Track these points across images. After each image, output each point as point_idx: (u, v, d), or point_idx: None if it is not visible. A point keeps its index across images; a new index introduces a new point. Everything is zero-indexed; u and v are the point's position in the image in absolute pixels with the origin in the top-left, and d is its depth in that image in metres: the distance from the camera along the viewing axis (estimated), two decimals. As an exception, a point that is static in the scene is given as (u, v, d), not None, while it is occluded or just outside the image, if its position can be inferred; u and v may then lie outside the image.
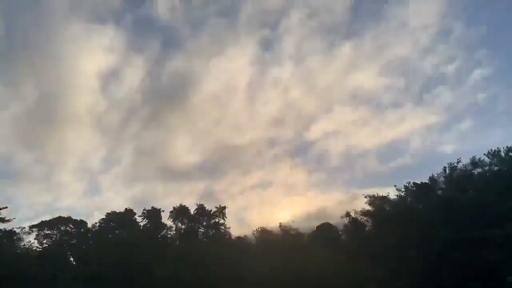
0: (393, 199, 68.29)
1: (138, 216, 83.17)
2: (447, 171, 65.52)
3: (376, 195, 69.19)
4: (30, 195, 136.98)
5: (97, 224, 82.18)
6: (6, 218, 63.61)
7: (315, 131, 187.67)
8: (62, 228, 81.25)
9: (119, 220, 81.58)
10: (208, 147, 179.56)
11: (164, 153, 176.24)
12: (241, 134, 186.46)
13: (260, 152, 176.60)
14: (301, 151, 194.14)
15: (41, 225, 79.69)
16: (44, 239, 79.12)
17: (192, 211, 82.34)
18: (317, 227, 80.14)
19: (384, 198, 69.08)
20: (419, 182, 66.91)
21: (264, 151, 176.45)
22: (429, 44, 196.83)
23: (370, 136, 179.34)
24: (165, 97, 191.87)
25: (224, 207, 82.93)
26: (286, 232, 75.04)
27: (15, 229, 71.71)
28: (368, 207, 69.25)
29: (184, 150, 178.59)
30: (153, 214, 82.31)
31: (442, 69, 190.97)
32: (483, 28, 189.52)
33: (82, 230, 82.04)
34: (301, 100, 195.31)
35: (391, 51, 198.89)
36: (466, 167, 64.16)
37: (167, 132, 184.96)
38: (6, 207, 63.64)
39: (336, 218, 76.01)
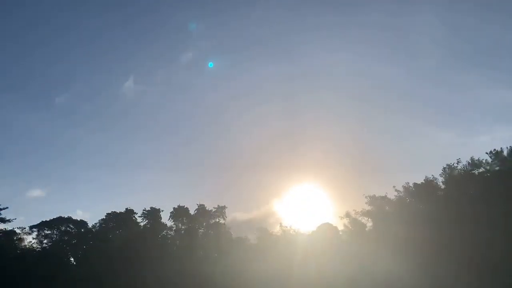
0: (393, 199, 68.46)
1: (138, 216, 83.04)
2: (447, 172, 65.52)
3: (376, 195, 69.46)
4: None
5: (97, 224, 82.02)
6: (7, 218, 63.92)
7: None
8: (62, 228, 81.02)
9: (119, 220, 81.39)
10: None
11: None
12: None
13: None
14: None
15: (41, 225, 79.48)
16: (44, 239, 78.95)
17: (192, 211, 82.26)
18: (317, 227, 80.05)
19: (384, 198, 69.22)
20: (418, 183, 66.99)
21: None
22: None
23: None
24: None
25: (224, 207, 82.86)
26: (286, 232, 75.01)
27: (15, 229, 71.84)
28: (368, 207, 69.54)
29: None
30: (153, 214, 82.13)
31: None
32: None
33: (82, 230, 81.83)
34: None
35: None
36: (466, 168, 64.16)
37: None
38: (6, 208, 63.91)
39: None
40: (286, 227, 76.01)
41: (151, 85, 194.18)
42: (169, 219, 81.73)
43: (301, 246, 69.25)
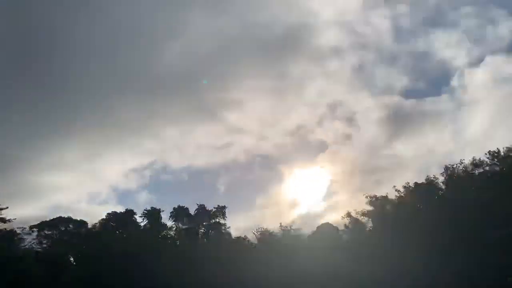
0: (393, 199, 68.59)
1: (139, 216, 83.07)
2: (447, 172, 65.57)
3: (376, 195, 69.65)
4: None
5: (97, 224, 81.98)
6: (7, 218, 63.73)
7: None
8: (62, 228, 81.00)
9: (119, 220, 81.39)
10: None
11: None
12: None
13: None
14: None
15: (41, 225, 79.39)
16: (44, 239, 78.87)
17: (192, 211, 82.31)
18: (317, 227, 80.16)
19: (384, 198, 69.35)
20: (419, 183, 67.08)
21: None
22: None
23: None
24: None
25: (224, 207, 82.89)
26: (287, 232, 75.06)
27: (15, 229, 71.62)
28: (368, 207, 69.72)
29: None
30: (153, 214, 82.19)
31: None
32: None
33: (82, 230, 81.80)
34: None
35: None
36: (466, 168, 64.22)
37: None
38: (6, 207, 63.73)
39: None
40: (286, 226, 76.18)
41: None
42: (169, 219, 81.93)
43: (301, 245, 69.40)
